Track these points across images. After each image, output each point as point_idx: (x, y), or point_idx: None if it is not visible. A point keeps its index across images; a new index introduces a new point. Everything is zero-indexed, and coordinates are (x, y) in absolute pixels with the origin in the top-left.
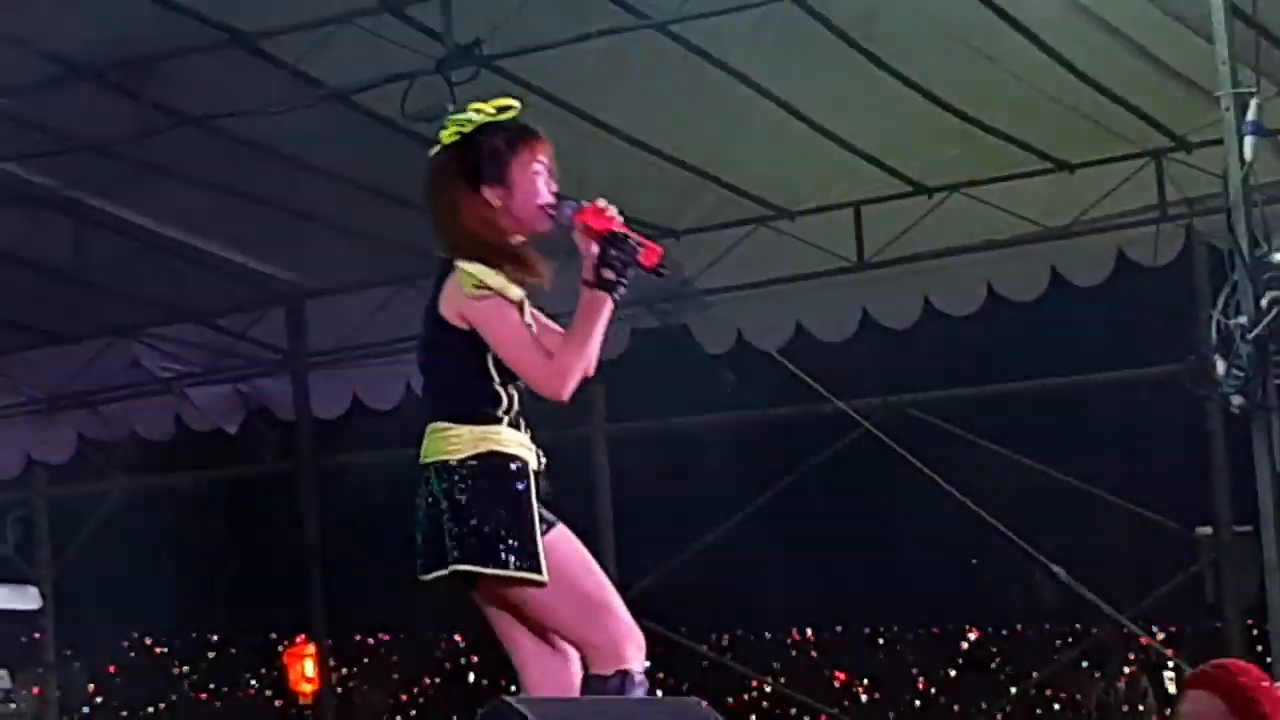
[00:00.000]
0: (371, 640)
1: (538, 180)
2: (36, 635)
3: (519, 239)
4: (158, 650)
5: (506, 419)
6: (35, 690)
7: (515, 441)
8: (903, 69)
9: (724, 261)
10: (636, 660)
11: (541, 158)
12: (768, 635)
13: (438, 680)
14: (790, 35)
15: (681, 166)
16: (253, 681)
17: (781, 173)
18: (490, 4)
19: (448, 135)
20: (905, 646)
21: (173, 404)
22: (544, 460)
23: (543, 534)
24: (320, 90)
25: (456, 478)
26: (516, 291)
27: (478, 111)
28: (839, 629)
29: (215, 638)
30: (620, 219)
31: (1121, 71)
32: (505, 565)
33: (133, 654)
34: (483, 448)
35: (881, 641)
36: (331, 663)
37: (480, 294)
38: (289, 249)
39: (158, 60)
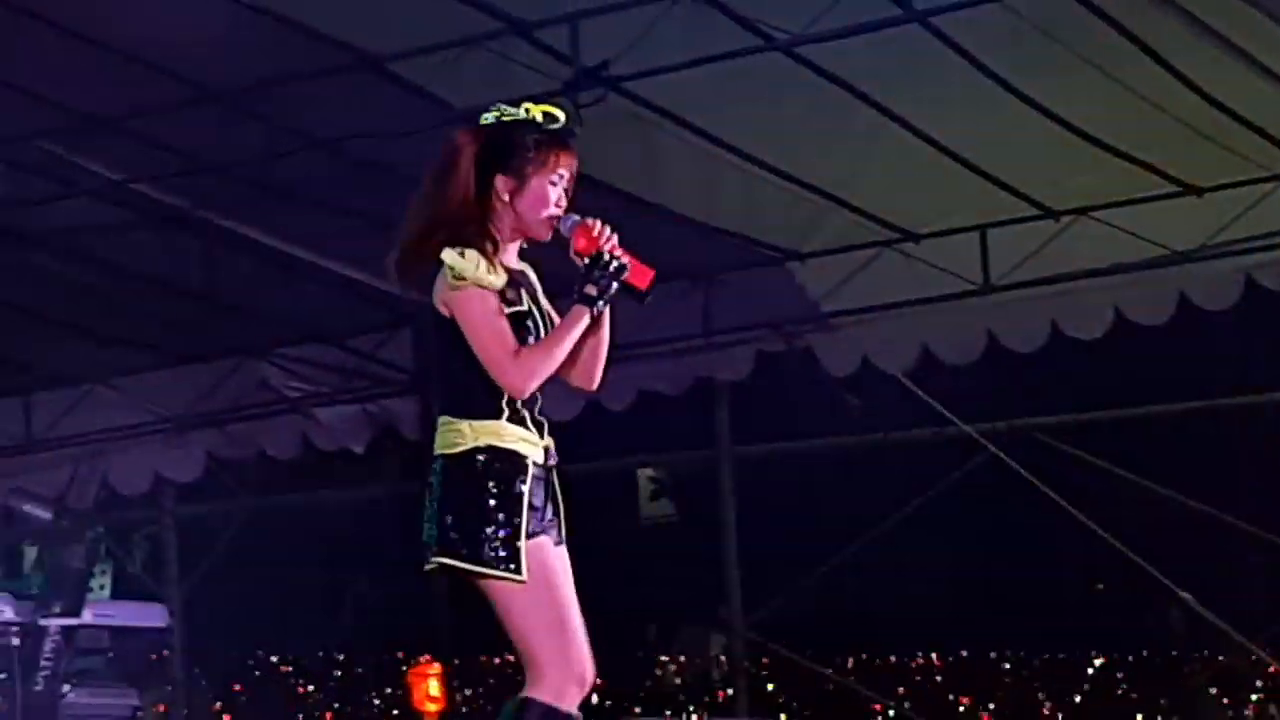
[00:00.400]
0: (497, 660)
1: (550, 189)
2: (164, 653)
3: (515, 235)
4: (283, 669)
5: (508, 411)
6: (162, 708)
7: (516, 436)
8: (1030, 92)
9: (849, 284)
10: (572, 701)
11: (563, 170)
12: (892, 659)
13: None
14: (917, 58)
15: (807, 189)
16: (377, 701)
17: (907, 195)
18: (618, 27)
19: (486, 119)
20: (1030, 672)
21: (300, 424)
22: (554, 457)
23: (540, 534)
24: (447, 112)
25: (451, 471)
26: (496, 279)
27: (525, 110)
28: (963, 653)
29: (341, 657)
30: (612, 241)
31: (1250, 94)
32: (480, 560)
33: (258, 672)
34: (480, 441)
35: (1006, 667)
36: (456, 683)
37: (458, 284)
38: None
39: (287, 82)
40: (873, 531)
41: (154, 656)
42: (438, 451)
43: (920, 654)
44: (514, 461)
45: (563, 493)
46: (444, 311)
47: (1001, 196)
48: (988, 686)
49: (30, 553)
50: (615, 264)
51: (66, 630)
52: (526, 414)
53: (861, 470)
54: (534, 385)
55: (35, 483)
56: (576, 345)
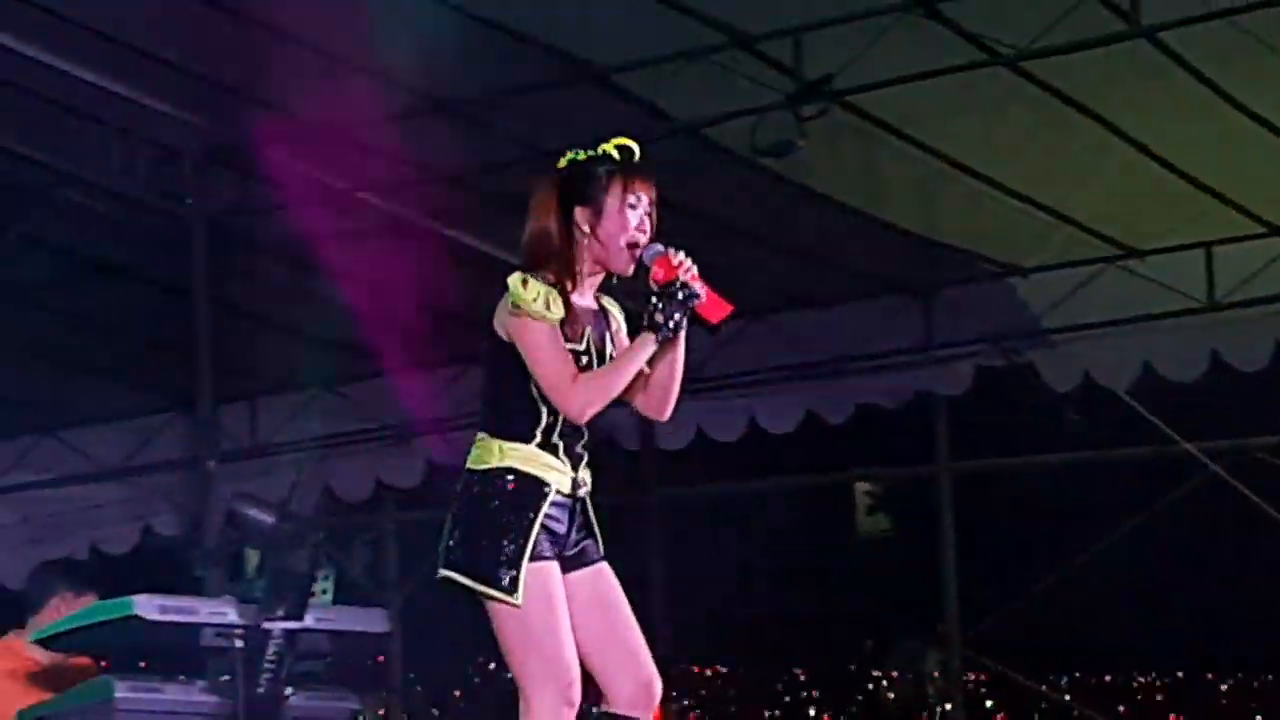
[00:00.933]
0: (709, 672)
1: (628, 215)
2: (382, 659)
3: (596, 269)
4: (504, 676)
5: (539, 438)
6: (380, 713)
7: (543, 463)
8: (1257, 108)
9: (1071, 300)
10: None
11: (640, 194)
12: (1108, 677)
13: (776, 713)
14: (1142, 72)
15: (1030, 204)
16: (593, 708)
17: (1131, 211)
18: (842, 39)
19: (563, 162)
20: (1250, 693)
21: None
22: (582, 489)
23: (550, 559)
24: (671, 124)
25: (473, 486)
26: (552, 313)
27: (599, 150)
28: (1180, 674)
29: None
30: (691, 271)
31: None
32: (478, 577)
33: (477, 679)
34: (507, 462)
35: (1224, 688)
36: (671, 693)
37: (516, 311)
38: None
39: (513, 94)
40: (1091, 548)
41: (373, 662)
42: (468, 466)
43: (1138, 673)
44: (535, 486)
45: (598, 519)
46: (501, 335)
47: (1227, 213)
48: (1205, 707)
49: (253, 557)
50: (686, 292)
51: (289, 634)
52: (561, 444)
53: (1080, 486)
54: (591, 411)
55: (259, 487)
56: (651, 373)
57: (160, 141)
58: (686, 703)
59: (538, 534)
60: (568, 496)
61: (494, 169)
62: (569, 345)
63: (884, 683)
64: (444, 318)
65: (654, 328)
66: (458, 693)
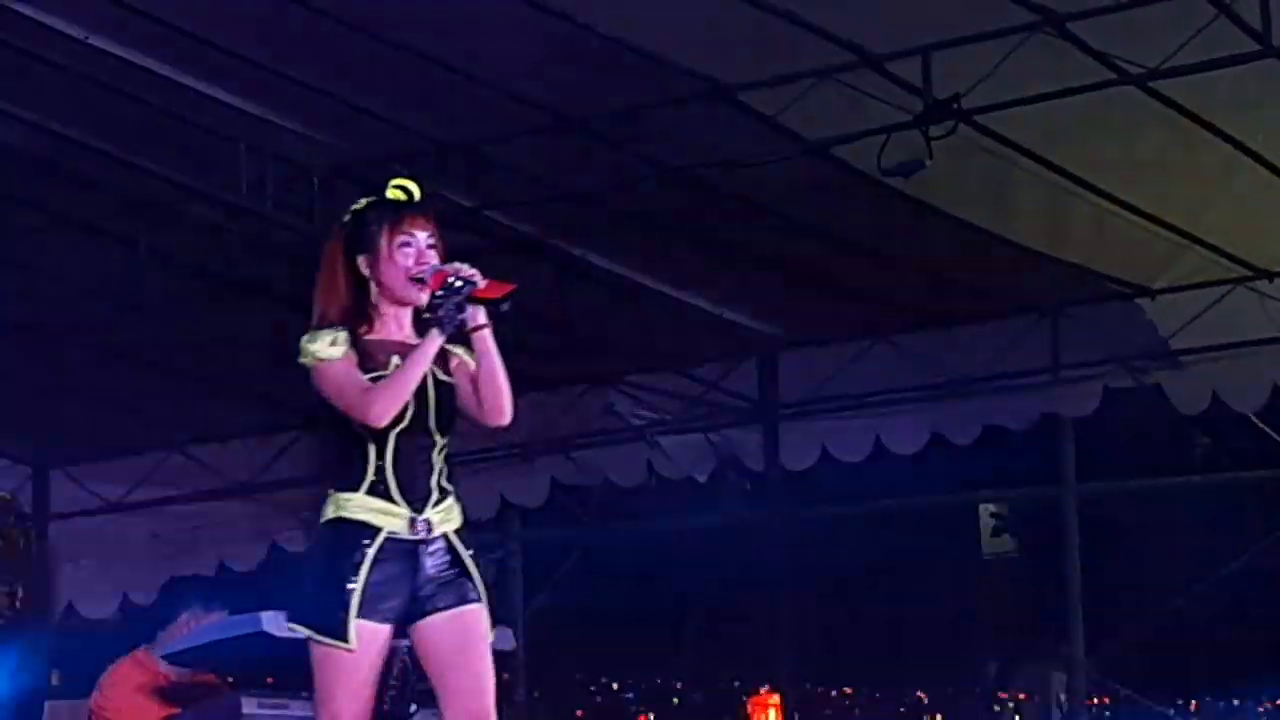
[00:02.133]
0: (834, 693)
1: (403, 251)
2: (506, 676)
3: (397, 304)
4: (623, 695)
5: (368, 484)
6: None
7: (368, 508)
8: None
9: (1200, 321)
10: None
11: (413, 232)
12: (1235, 702)
13: None
14: (1273, 92)
15: (1159, 224)
16: None
17: (1261, 232)
18: (970, 59)
19: (347, 215)
20: None
21: (645, 451)
22: (425, 530)
23: (372, 616)
24: (798, 143)
25: (314, 540)
26: (338, 348)
27: (375, 197)
28: None
29: (680, 685)
30: (462, 271)
31: None
32: (308, 624)
33: (599, 698)
34: (336, 513)
35: None
36: (795, 715)
37: (309, 364)
38: (763, 300)
39: (640, 111)
40: (1219, 571)
41: (497, 679)
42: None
43: (1265, 698)
44: (358, 534)
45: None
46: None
47: None
48: None
49: None
50: (459, 284)
51: (414, 650)
52: (396, 485)
53: (1208, 509)
54: (385, 412)
55: None
56: (474, 381)
57: (289, 158)
58: None
59: (364, 584)
60: (405, 540)
61: (623, 187)
62: (372, 372)
63: (1009, 705)
64: (569, 336)
65: (435, 323)
66: (580, 711)
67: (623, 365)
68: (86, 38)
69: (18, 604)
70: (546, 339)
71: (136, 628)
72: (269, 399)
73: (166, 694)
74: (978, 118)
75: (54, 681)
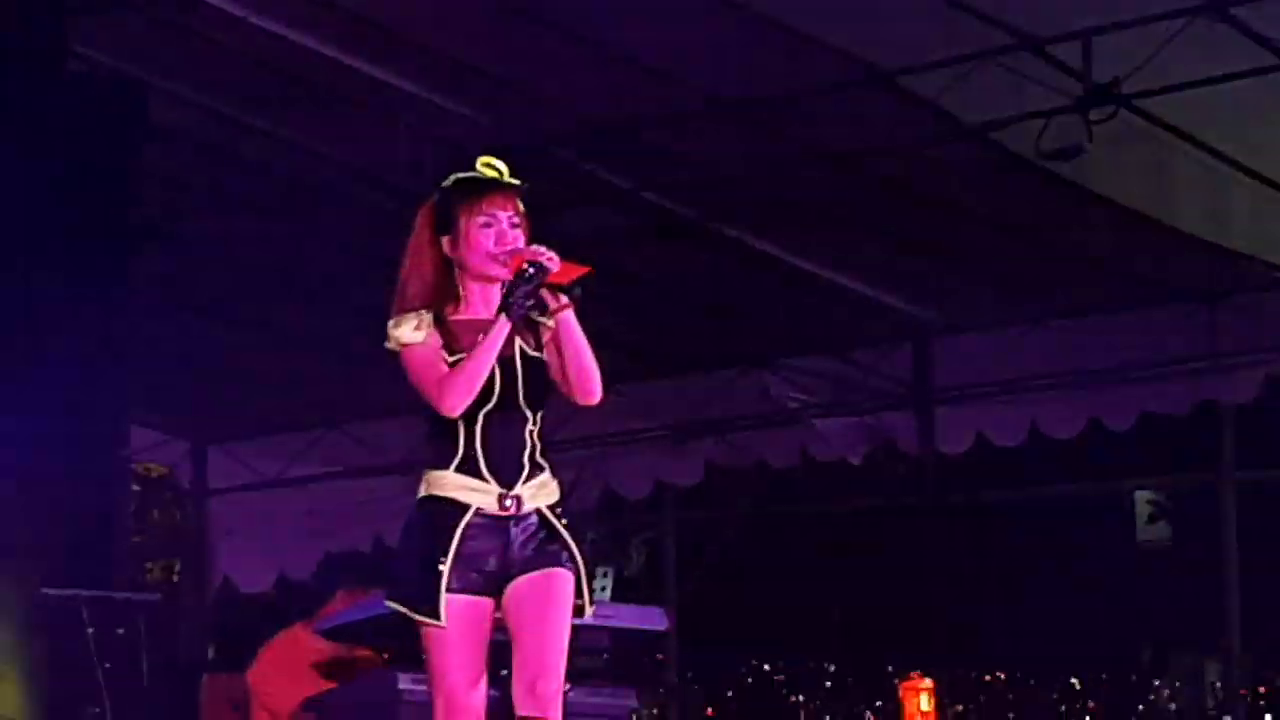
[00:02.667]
0: (988, 678)
1: (483, 232)
2: (660, 657)
3: (484, 283)
4: (775, 677)
5: (459, 462)
6: (655, 711)
7: (458, 485)
8: None
9: None
10: None
11: (494, 212)
12: None
13: None
14: None
15: None
16: (868, 713)
17: None
18: (1131, 43)
19: (432, 198)
20: None
21: (800, 434)
22: (515, 505)
23: (464, 588)
24: (957, 127)
25: (408, 519)
26: (423, 332)
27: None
28: None
29: (832, 668)
30: (539, 254)
31: None
32: (404, 602)
33: (750, 680)
34: (426, 492)
35: None
36: (948, 699)
37: (395, 350)
38: (919, 284)
39: (799, 94)
40: None
41: (651, 660)
42: None
43: None
44: (448, 511)
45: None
46: None
47: None
48: None
49: None
50: (533, 270)
51: (571, 629)
52: (483, 460)
53: None
54: (460, 401)
55: None
56: (560, 359)
57: (447, 138)
58: (961, 708)
59: (453, 560)
60: (495, 516)
61: (779, 170)
62: (459, 354)
63: (1164, 693)
64: (725, 318)
65: (504, 308)
66: (730, 692)
67: (778, 348)
68: (249, 18)
69: (175, 578)
70: (702, 321)
71: (293, 602)
72: None
73: (322, 669)
74: (1138, 102)
75: (210, 655)
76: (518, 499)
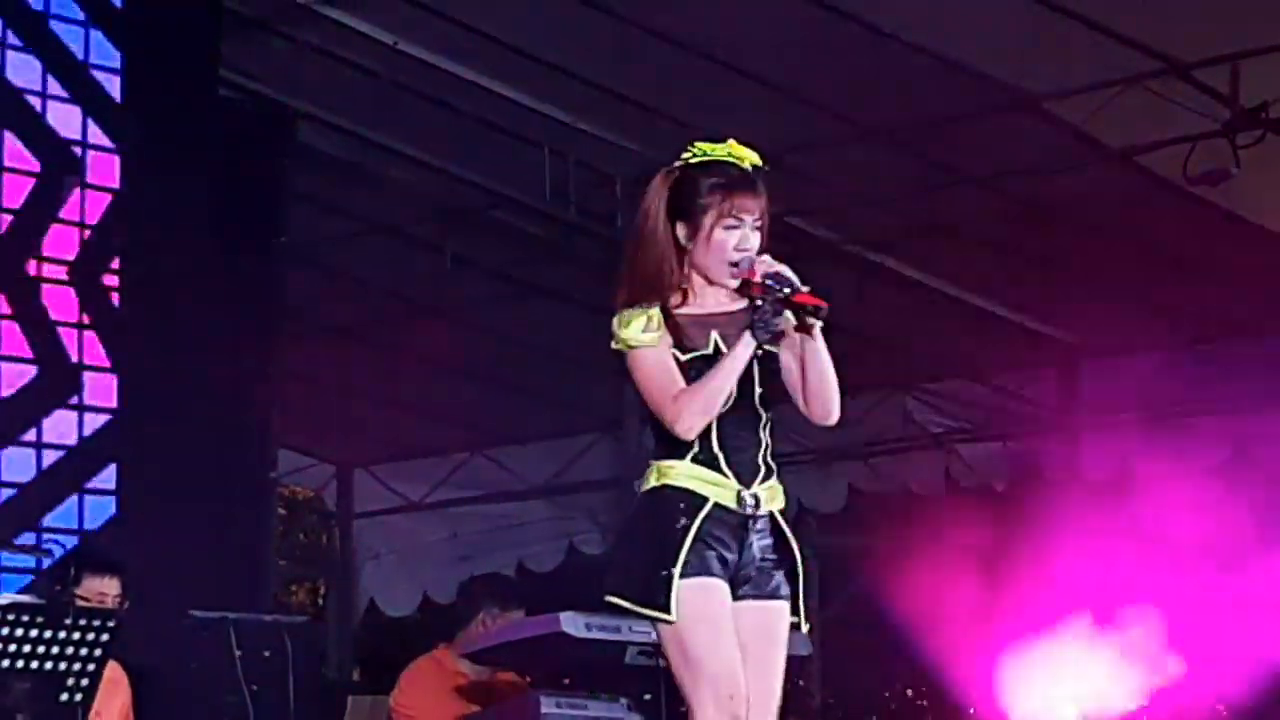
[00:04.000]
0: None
1: (727, 234)
2: (801, 681)
3: (701, 285)
4: (918, 703)
5: (695, 452)
6: None
7: (694, 476)
8: None
9: None
10: None
11: (741, 215)
12: None
13: None
14: None
15: None
16: None
17: None
18: (1278, 66)
19: (682, 159)
20: None
21: (943, 459)
22: (754, 506)
23: (709, 576)
24: (1103, 151)
25: (634, 509)
26: (651, 334)
27: (715, 153)
28: None
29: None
30: (777, 271)
31: None
32: (633, 598)
33: (893, 705)
34: (659, 481)
35: None
36: None
37: (621, 349)
38: (1064, 308)
39: (944, 120)
40: None
41: (793, 684)
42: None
43: None
44: (685, 501)
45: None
46: None
47: None
48: None
49: None
50: (778, 288)
51: None
52: (723, 456)
53: None
54: (697, 423)
55: None
56: (803, 377)
57: (591, 164)
58: None
59: (690, 550)
60: (733, 512)
61: (924, 194)
62: (692, 352)
63: None
64: (867, 342)
65: (750, 326)
66: (874, 718)
67: (921, 372)
68: (395, 43)
69: (321, 600)
70: (845, 344)
71: (436, 625)
72: (568, 402)
73: (465, 692)
74: None
75: (355, 677)
76: (756, 498)
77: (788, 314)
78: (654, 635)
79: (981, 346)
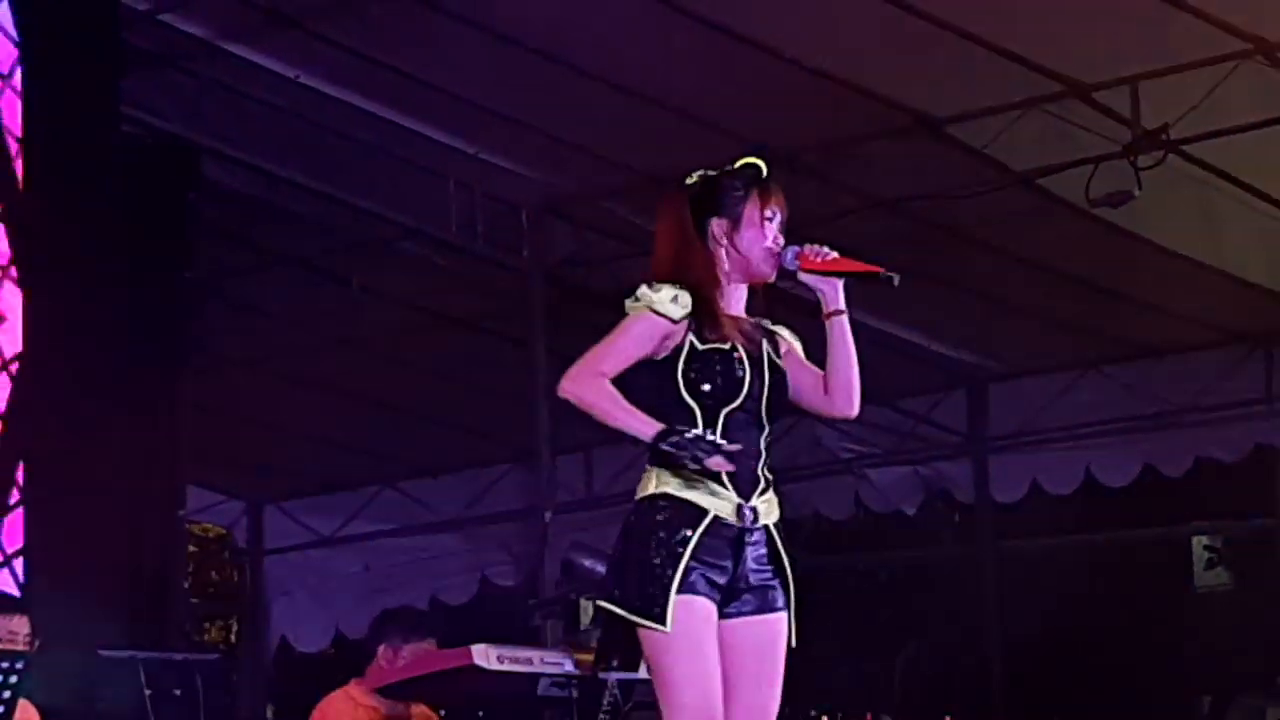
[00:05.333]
0: None
1: (766, 225)
2: None
3: (736, 279)
4: None
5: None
6: None
7: (691, 487)
8: None
9: None
10: None
11: (774, 208)
12: None
13: None
14: None
15: None
16: None
17: None
18: (1179, 89)
19: (692, 178)
20: None
21: (853, 484)
22: (753, 518)
23: (700, 594)
24: (1005, 174)
25: (631, 516)
26: (679, 308)
27: (733, 165)
28: None
29: (890, 719)
30: (825, 255)
31: None
32: (626, 606)
33: None
34: (658, 489)
35: None
36: None
37: (633, 306)
38: (973, 331)
39: (847, 143)
40: None
41: None
42: (636, 497)
43: None
44: (685, 512)
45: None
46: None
47: None
48: None
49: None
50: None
51: (623, 684)
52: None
53: None
54: (570, 396)
55: (594, 538)
56: (830, 372)
57: (498, 195)
58: None
59: (688, 564)
60: (732, 525)
61: (827, 218)
62: (711, 345)
63: None
64: None
65: (666, 446)
66: None
67: None
68: (297, 76)
69: (234, 638)
70: None
71: (350, 661)
72: (479, 433)
73: None
74: (1186, 147)
75: (269, 715)
76: (754, 511)
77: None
78: (566, 666)
79: (890, 371)
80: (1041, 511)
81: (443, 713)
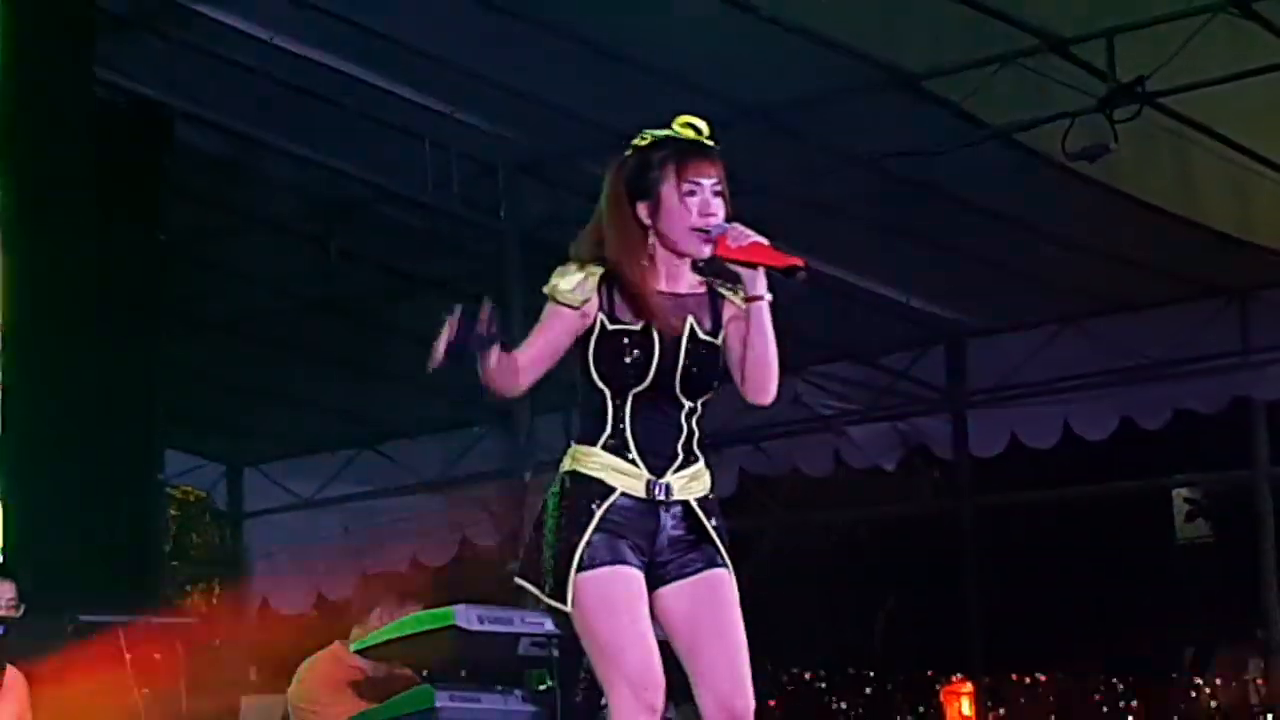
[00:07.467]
0: (1029, 680)
1: (687, 200)
2: None
3: (675, 256)
4: (817, 685)
5: (605, 438)
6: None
7: (603, 464)
8: None
9: None
10: None
11: (698, 179)
12: None
13: None
14: None
15: None
16: (909, 719)
17: None
18: (1154, 42)
19: (631, 148)
20: None
21: (832, 441)
22: (665, 493)
23: (612, 564)
24: (982, 129)
25: (551, 493)
26: (577, 296)
27: (654, 134)
28: None
29: (872, 674)
30: (750, 236)
31: None
32: (536, 583)
33: (791, 688)
34: (569, 467)
35: None
36: (988, 702)
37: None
38: (950, 287)
39: (822, 100)
40: None
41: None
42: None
43: None
44: (590, 489)
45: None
46: None
47: None
48: None
49: None
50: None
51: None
52: (633, 442)
53: None
54: (493, 387)
55: None
56: (745, 354)
57: (474, 156)
58: (1003, 711)
59: (595, 539)
60: (642, 500)
61: (803, 175)
62: (620, 325)
63: (1207, 690)
64: None
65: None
66: (772, 701)
67: (810, 355)
68: (271, 38)
69: (215, 600)
70: None
71: (332, 622)
72: (457, 395)
73: (361, 688)
74: (1162, 100)
75: (251, 677)
76: (667, 487)
77: (732, 291)
78: (546, 626)
79: (869, 327)
80: (1021, 466)
81: (424, 673)
